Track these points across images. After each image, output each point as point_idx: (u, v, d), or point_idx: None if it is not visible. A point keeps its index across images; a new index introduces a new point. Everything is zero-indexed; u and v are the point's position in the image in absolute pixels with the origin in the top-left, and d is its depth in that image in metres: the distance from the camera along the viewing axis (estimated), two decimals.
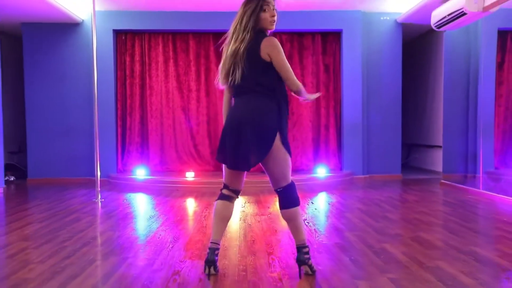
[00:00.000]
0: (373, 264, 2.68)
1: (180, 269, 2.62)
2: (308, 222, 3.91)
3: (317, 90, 7.20)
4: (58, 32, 6.94)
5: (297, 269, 2.48)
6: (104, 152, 6.87)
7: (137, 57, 7.10)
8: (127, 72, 7.09)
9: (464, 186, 5.77)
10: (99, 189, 5.19)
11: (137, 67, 7.10)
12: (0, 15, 6.38)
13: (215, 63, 7.13)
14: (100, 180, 6.33)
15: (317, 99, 7.17)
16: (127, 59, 7.09)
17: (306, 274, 2.48)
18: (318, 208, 4.65)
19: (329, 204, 4.89)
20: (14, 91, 7.56)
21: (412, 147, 9.07)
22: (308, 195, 5.46)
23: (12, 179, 7.00)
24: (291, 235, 2.55)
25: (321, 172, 6.75)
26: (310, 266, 2.49)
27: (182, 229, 3.72)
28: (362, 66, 7.10)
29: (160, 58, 7.11)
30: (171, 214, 4.37)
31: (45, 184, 6.72)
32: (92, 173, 6.91)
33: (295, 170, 7.01)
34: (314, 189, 6.01)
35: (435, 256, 2.83)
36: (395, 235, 3.42)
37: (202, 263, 2.68)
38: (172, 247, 3.12)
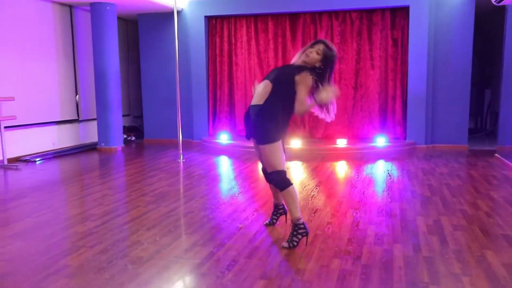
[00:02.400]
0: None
1: (246, 221, 3.87)
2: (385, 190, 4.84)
3: (386, 63, 7.70)
4: (164, 19, 8.48)
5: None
6: (198, 119, 8.42)
7: (225, 38, 8.34)
8: (217, 51, 8.39)
9: (509, 162, 5.97)
10: (181, 151, 6.66)
11: (225, 47, 8.35)
12: (124, 10, 8.10)
13: (290, 41, 8.03)
14: (193, 142, 7.96)
15: (385, 71, 7.69)
16: (217, 40, 8.37)
17: (284, 248, 3.07)
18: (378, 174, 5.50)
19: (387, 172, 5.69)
20: (136, 66, 9.45)
21: None
22: (369, 162, 6.29)
23: (133, 138, 8.96)
24: None
25: (382, 141, 7.35)
26: (291, 241, 3.05)
27: (253, 188, 4.96)
28: (429, 39, 7.36)
29: (244, 38, 8.24)
30: (243, 175, 5.64)
31: (155, 143, 8.51)
32: (190, 135, 8.54)
33: (362, 138, 7.73)
34: (380, 156, 6.75)
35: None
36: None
37: (265, 217, 3.89)
38: (238, 204, 4.38)
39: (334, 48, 3.16)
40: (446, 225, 3.51)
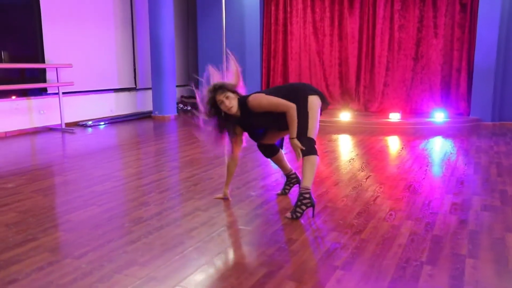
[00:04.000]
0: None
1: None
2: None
3: (452, 32, 7.06)
4: None
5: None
6: (251, 89, 8.31)
7: (280, 6, 8.11)
8: (272, 20, 8.20)
9: None
10: None
11: (280, 15, 8.13)
12: None
13: (347, 8, 7.63)
14: None
15: (451, 41, 7.05)
16: (272, 8, 8.17)
17: (286, 218, 2.93)
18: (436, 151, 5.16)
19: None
20: (195, 37, 9.53)
21: None
22: (421, 138, 5.90)
23: (189, 108, 9.12)
24: None
25: (441, 116, 6.80)
26: (294, 212, 2.89)
27: None
28: (503, 5, 6.60)
29: (300, 6, 7.96)
30: None
31: None
32: None
33: (420, 113, 7.22)
34: (436, 133, 6.29)
35: None
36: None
37: None
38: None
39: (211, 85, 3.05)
40: (474, 205, 3.16)
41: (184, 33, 9.46)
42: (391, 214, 2.99)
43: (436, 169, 4.24)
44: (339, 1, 7.69)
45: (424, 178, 3.91)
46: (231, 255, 2.43)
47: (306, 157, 2.91)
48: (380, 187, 3.64)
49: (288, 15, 8.07)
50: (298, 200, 2.92)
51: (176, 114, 8.16)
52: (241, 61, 8.28)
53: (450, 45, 7.11)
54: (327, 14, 7.77)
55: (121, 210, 3.13)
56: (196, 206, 3.20)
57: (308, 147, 2.90)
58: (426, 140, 5.79)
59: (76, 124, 7.06)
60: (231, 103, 2.99)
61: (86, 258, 2.34)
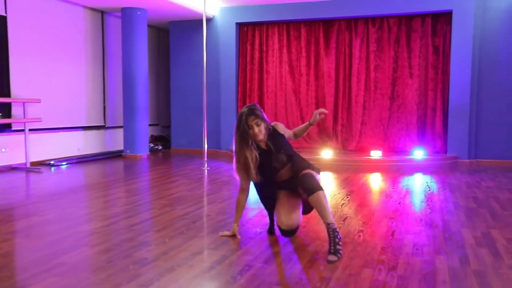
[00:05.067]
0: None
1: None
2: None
3: (426, 72, 7.23)
4: (195, 26, 8.31)
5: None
6: (227, 128, 8.12)
7: (256, 46, 8.09)
8: (248, 59, 8.14)
9: None
10: (206, 158, 6.37)
11: (256, 54, 8.09)
12: (155, 17, 8.00)
13: (323, 48, 7.70)
14: (220, 152, 7.74)
15: (425, 81, 7.21)
16: (248, 47, 8.13)
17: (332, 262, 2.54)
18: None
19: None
20: (167, 75, 9.31)
21: None
22: (405, 174, 5.82)
23: (159, 148, 8.76)
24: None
25: (420, 154, 6.83)
26: (337, 252, 2.55)
27: None
28: (474, 47, 6.87)
29: (276, 46, 7.97)
30: None
31: (182, 153, 8.27)
32: (218, 145, 8.26)
33: (398, 152, 7.24)
34: (418, 170, 6.25)
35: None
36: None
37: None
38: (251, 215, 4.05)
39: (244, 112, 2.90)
40: (498, 238, 3.03)
41: (155, 70, 9.23)
42: (417, 249, 2.79)
43: (437, 203, 4.12)
44: (315, 42, 7.77)
45: (431, 212, 3.77)
46: None
47: (316, 193, 2.69)
48: (391, 222, 3.45)
49: (264, 54, 8.05)
50: (334, 237, 2.59)
51: (149, 153, 7.79)
52: (217, 99, 8.17)
53: (425, 85, 7.27)
54: (303, 54, 7.81)
55: (119, 251, 2.76)
56: (203, 244, 2.88)
57: (316, 183, 2.76)
58: (410, 175, 5.74)
59: (42, 163, 6.54)
60: (260, 130, 2.85)
61: None
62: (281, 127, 3.05)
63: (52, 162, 6.52)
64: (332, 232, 2.59)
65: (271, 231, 3.12)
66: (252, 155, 2.85)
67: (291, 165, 2.98)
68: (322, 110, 3.05)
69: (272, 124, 3.02)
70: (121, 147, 7.92)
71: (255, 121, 2.81)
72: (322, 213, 2.67)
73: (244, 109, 2.87)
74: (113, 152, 7.76)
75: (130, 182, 5.30)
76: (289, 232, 2.93)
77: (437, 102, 7.20)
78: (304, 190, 2.76)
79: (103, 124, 7.83)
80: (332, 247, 2.55)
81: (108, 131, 7.94)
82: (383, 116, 7.45)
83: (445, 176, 5.77)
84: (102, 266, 2.49)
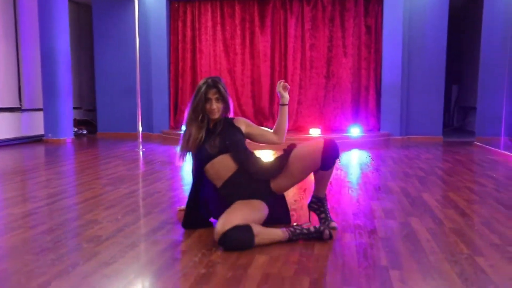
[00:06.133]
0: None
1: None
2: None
3: (359, 52, 7.33)
4: (120, 2, 7.75)
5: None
6: (159, 110, 7.73)
7: (188, 23, 7.72)
8: (179, 37, 7.75)
9: (489, 147, 5.70)
10: (141, 140, 5.96)
11: (189, 32, 7.72)
12: None
13: (259, 27, 7.52)
14: (152, 135, 7.30)
15: (358, 60, 7.32)
16: (180, 25, 7.74)
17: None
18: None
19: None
20: (90, 55, 8.63)
21: (470, 110, 8.81)
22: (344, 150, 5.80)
23: (84, 132, 8.12)
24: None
25: (357, 131, 6.93)
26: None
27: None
28: (404, 28, 7.07)
29: (209, 23, 7.65)
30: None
31: (110, 137, 7.71)
32: (150, 128, 7.81)
33: (334, 130, 7.29)
34: (350, 147, 6.29)
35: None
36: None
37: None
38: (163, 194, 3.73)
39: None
40: (457, 200, 3.06)
41: (75, 50, 8.50)
42: (388, 213, 2.72)
43: (388, 173, 4.13)
44: (250, 20, 7.57)
45: (386, 180, 3.76)
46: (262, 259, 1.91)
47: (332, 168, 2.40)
48: (351, 190, 3.38)
49: (197, 32, 7.71)
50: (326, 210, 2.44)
51: (73, 137, 7.16)
52: (147, 80, 7.69)
53: (358, 64, 7.38)
54: (238, 32, 7.58)
55: (65, 230, 2.39)
56: (162, 220, 2.59)
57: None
58: (348, 151, 5.78)
59: None
60: (219, 108, 2.37)
61: None
62: (242, 121, 2.55)
63: None
64: (326, 201, 2.46)
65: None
66: (199, 136, 2.36)
67: (231, 158, 2.36)
68: (283, 83, 2.56)
69: (234, 118, 2.54)
70: (41, 132, 7.19)
71: (216, 96, 2.35)
72: (324, 186, 2.44)
73: (207, 79, 2.39)
74: (32, 137, 7.03)
75: (59, 164, 4.79)
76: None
77: (370, 81, 7.34)
78: (325, 159, 2.29)
79: (19, 106, 7.05)
80: (329, 215, 2.43)
81: (25, 113, 7.16)
82: (319, 95, 7.46)
83: (383, 151, 5.88)
84: (49, 247, 2.12)
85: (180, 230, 2.38)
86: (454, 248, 2.08)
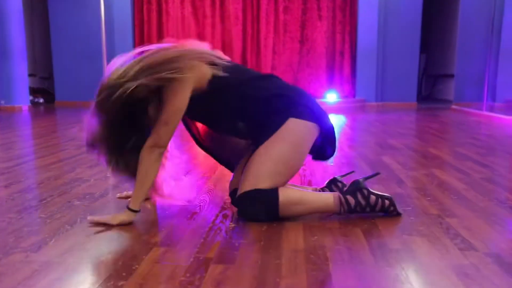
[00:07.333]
0: None
1: None
2: None
3: (334, 15, 7.09)
4: None
5: None
6: None
7: None
8: None
9: (471, 110, 5.67)
10: None
11: None
12: None
13: None
14: None
15: (333, 24, 7.08)
16: None
17: None
18: None
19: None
20: (44, 16, 7.91)
21: (439, 78, 8.83)
22: None
23: (41, 101, 7.49)
24: None
25: (333, 97, 6.76)
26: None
27: None
28: None
29: None
30: None
31: (70, 106, 7.14)
32: None
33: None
34: (332, 111, 6.08)
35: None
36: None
37: None
38: None
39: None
40: (469, 153, 2.90)
41: (27, 7, 7.76)
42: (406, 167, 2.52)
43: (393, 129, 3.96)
44: None
45: (388, 137, 3.57)
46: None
47: None
48: (351, 149, 3.16)
49: None
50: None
51: (30, 105, 6.56)
52: (110, 44, 7.12)
53: (333, 28, 7.15)
54: None
55: (48, 188, 2.02)
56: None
57: None
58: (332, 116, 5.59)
59: None
60: None
61: (55, 250, 1.31)
62: None
63: None
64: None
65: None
66: None
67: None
68: None
69: None
70: None
71: None
72: None
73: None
74: None
75: (21, 129, 4.30)
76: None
77: (345, 46, 7.14)
78: None
79: None
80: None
81: None
82: (293, 60, 7.19)
83: (362, 115, 5.72)
84: (35, 205, 1.76)
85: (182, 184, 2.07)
86: (499, 195, 1.89)
